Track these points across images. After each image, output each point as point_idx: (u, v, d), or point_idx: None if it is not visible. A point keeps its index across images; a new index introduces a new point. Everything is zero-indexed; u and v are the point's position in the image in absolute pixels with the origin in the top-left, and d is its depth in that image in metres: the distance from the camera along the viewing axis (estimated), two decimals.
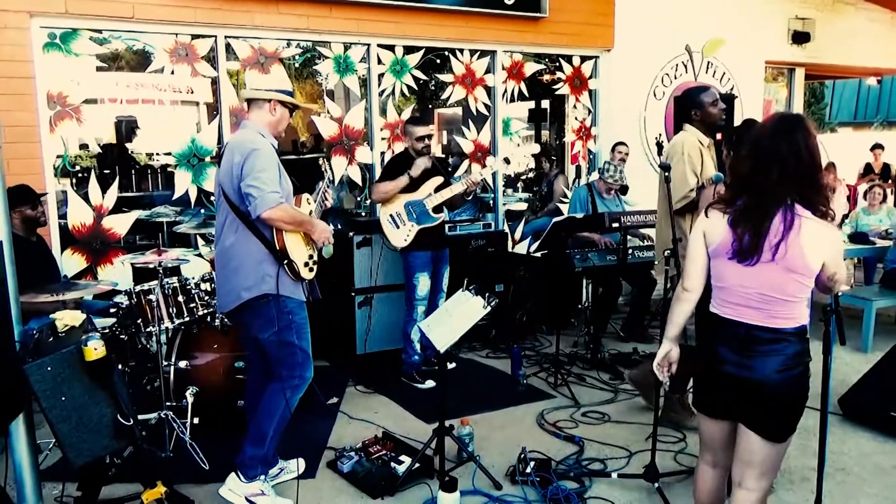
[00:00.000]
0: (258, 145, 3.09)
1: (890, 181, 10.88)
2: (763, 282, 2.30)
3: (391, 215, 4.83)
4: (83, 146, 5.54)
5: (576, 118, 7.14)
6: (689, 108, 4.06)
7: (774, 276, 2.28)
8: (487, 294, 3.53)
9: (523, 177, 9.82)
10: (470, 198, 5.09)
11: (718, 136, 4.18)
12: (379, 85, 5.99)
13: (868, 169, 12.03)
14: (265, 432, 3.26)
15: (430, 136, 4.92)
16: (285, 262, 3.15)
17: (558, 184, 7.45)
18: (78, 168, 5.55)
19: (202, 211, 5.65)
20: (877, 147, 12.11)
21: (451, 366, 5.32)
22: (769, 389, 2.30)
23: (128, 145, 7.43)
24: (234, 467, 3.30)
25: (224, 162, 3.18)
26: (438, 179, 4.94)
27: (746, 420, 2.40)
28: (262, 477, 3.29)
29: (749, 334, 2.35)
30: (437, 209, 4.91)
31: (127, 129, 7.43)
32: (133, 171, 8.29)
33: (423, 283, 4.90)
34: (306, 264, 3.26)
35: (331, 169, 3.74)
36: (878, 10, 8.91)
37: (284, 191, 3.17)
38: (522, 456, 3.57)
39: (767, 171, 2.28)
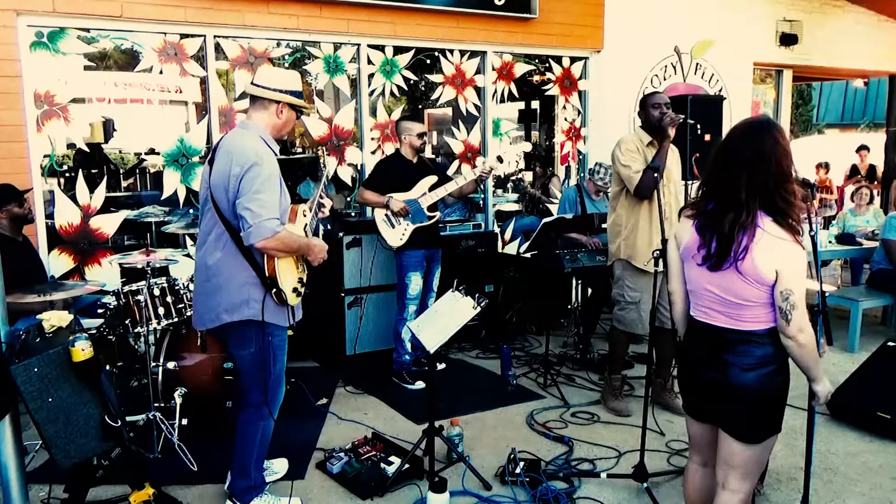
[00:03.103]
0: (260, 157, 2.83)
1: (876, 182, 10.97)
2: (723, 286, 2.31)
3: (386, 215, 4.84)
4: (70, 146, 5.49)
5: (565, 119, 7.15)
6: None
7: (732, 281, 2.28)
8: (477, 294, 3.53)
9: (513, 177, 9.84)
10: (481, 188, 5.12)
11: (707, 136, 4.24)
12: (369, 85, 5.99)
13: (854, 170, 12.12)
14: (247, 463, 3.16)
15: (426, 135, 4.96)
16: (273, 290, 2.94)
17: (552, 186, 7.47)
18: (65, 168, 5.51)
19: (191, 211, 5.62)
20: (862, 148, 12.20)
21: (440, 366, 5.33)
22: (739, 390, 2.31)
23: (104, 146, 7.38)
24: (230, 494, 3.25)
25: (219, 167, 2.89)
26: (432, 178, 4.97)
27: (721, 422, 2.42)
28: (258, 496, 3.23)
29: (718, 336, 2.37)
30: (432, 208, 4.93)
31: (108, 129, 7.39)
32: (121, 171, 8.26)
33: (415, 283, 4.92)
34: (294, 289, 3.03)
35: (325, 166, 3.54)
36: (865, 12, 8.98)
37: (282, 207, 2.94)
38: (512, 456, 3.58)
39: (733, 176, 2.27)
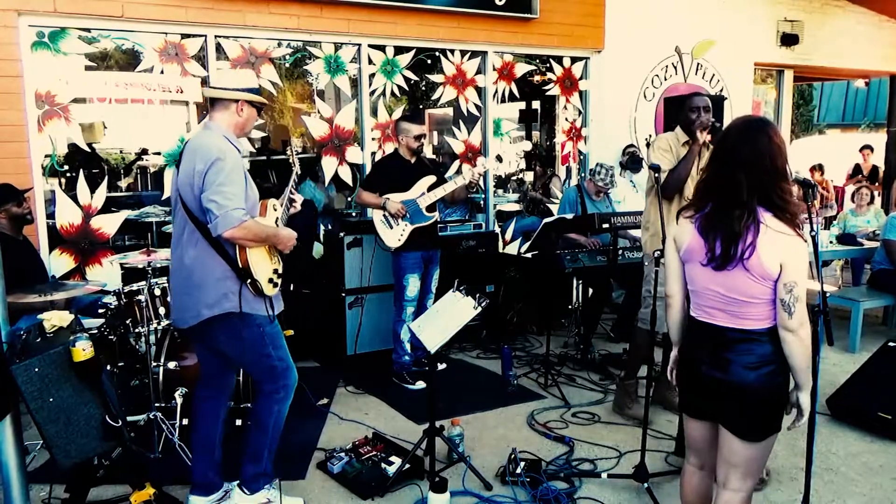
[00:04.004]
0: (223, 153, 2.89)
1: (878, 183, 10.96)
2: (728, 285, 2.32)
3: (384, 215, 4.83)
4: (71, 145, 5.49)
5: (566, 119, 7.15)
6: (677, 110, 4.36)
7: (738, 279, 2.29)
8: (478, 294, 3.53)
9: (514, 177, 9.84)
10: (474, 191, 5.10)
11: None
12: (370, 85, 5.99)
13: (857, 170, 12.10)
14: (260, 449, 3.20)
15: (424, 136, 4.95)
16: (248, 281, 2.98)
17: (553, 186, 7.47)
18: (66, 168, 5.51)
19: None
20: (865, 148, 12.17)
21: (441, 366, 5.33)
22: (740, 389, 2.32)
23: (97, 145, 7.38)
24: (238, 482, 3.28)
25: (184, 168, 2.96)
26: (431, 178, 4.95)
27: (723, 420, 2.42)
28: (266, 486, 3.27)
29: (720, 336, 2.37)
30: (431, 208, 4.92)
31: (100, 128, 7.37)
32: (121, 170, 8.26)
33: (412, 284, 4.91)
34: (270, 280, 3.07)
35: (297, 164, 3.57)
36: (865, 12, 8.97)
37: (250, 200, 3.00)
38: (513, 456, 3.58)
39: (731, 175, 2.29)
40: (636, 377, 4.50)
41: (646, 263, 4.30)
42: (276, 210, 3.24)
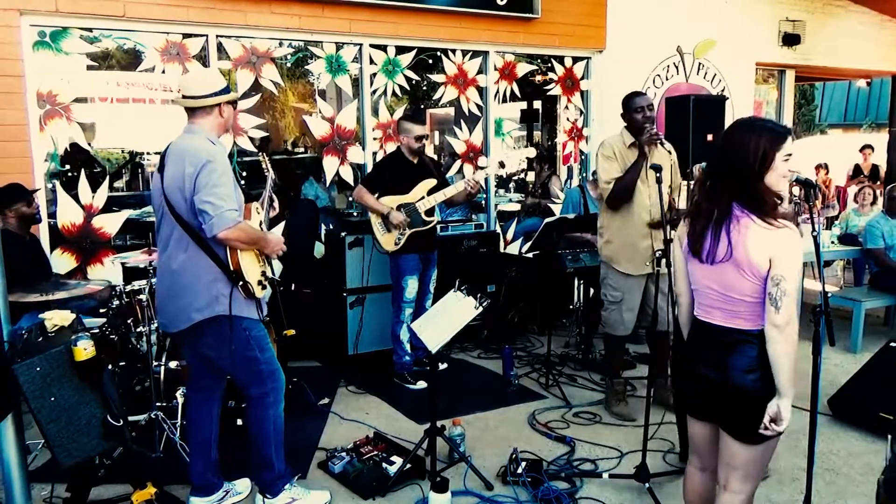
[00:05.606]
0: (212, 155, 2.91)
1: (879, 182, 10.95)
2: (721, 281, 2.33)
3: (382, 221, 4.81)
4: (73, 145, 5.49)
5: (568, 119, 7.15)
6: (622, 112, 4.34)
7: (729, 274, 2.29)
8: (479, 294, 3.53)
9: (515, 177, 9.84)
10: (474, 198, 5.09)
11: (710, 137, 4.23)
12: (371, 85, 5.99)
13: (857, 170, 12.10)
14: (268, 455, 3.21)
15: (426, 137, 4.92)
16: (240, 283, 2.99)
17: (552, 185, 7.46)
18: (67, 167, 5.52)
19: None
20: (866, 147, 12.17)
21: (442, 366, 5.32)
22: (736, 391, 2.31)
23: (92, 145, 7.39)
24: (259, 490, 3.31)
25: (171, 172, 2.95)
26: (431, 182, 4.90)
27: (720, 421, 2.42)
28: (287, 486, 3.29)
29: (718, 335, 2.37)
30: (430, 212, 4.88)
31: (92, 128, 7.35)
32: (122, 171, 8.26)
33: (411, 286, 4.90)
34: (260, 282, 3.10)
35: (270, 168, 3.61)
36: (867, 12, 8.96)
37: (237, 203, 3.00)
38: (514, 456, 3.58)
39: (713, 173, 2.35)
40: (622, 377, 4.61)
41: (602, 271, 4.44)
42: (258, 213, 3.28)
